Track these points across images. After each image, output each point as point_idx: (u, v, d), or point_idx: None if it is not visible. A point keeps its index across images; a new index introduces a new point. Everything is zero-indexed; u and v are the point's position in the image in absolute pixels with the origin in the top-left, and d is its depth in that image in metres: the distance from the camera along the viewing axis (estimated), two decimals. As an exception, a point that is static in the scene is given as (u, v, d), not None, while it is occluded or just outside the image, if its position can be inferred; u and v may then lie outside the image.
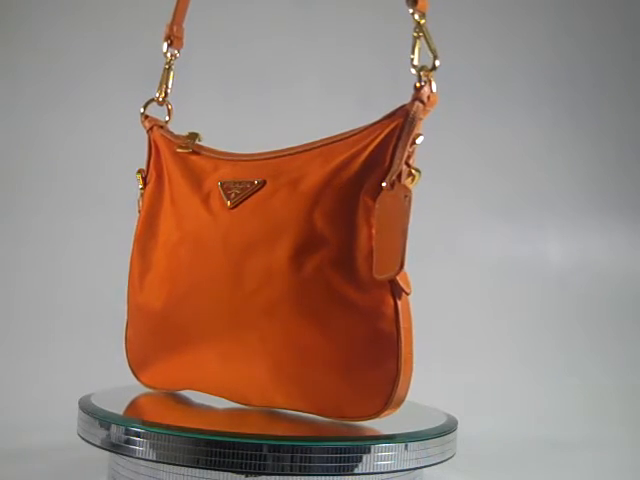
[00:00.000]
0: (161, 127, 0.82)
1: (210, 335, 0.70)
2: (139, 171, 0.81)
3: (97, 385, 0.77)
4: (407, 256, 0.61)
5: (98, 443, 0.64)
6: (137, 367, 0.78)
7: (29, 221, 1.29)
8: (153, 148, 0.81)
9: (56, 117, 1.31)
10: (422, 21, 0.64)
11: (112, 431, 0.62)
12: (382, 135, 0.64)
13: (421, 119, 0.63)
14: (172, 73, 0.84)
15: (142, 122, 0.82)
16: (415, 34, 0.64)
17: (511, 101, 1.48)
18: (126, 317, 0.80)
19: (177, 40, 0.84)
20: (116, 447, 0.62)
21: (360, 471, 0.59)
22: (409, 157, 0.63)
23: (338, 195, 0.64)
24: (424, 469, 0.67)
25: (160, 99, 0.83)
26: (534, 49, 1.50)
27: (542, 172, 1.49)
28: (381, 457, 0.60)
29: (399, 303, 0.62)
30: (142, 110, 0.82)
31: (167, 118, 0.83)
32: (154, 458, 0.60)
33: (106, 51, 1.34)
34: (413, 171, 0.63)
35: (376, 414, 0.63)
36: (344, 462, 0.59)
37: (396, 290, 0.62)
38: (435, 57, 0.63)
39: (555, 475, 0.84)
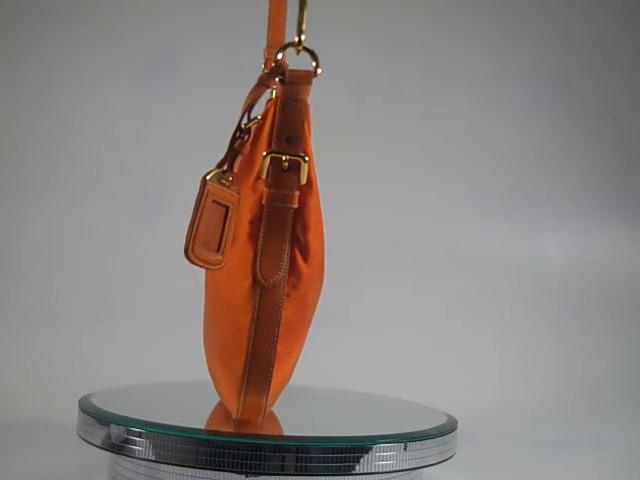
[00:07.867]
0: None
1: None
2: None
3: (97, 385, 0.77)
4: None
5: (98, 443, 0.64)
6: None
7: (28, 213, 1.29)
8: None
9: (56, 115, 1.31)
10: None
11: (112, 431, 0.62)
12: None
13: (299, 100, 0.60)
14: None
15: None
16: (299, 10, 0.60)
17: (510, 101, 1.48)
18: None
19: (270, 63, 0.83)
20: (116, 447, 0.62)
21: (360, 471, 0.59)
22: (240, 144, 0.59)
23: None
24: (424, 469, 0.67)
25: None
26: (533, 48, 1.49)
27: (541, 172, 1.49)
28: (381, 457, 0.60)
29: (261, 298, 0.59)
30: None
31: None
32: (154, 458, 0.60)
33: (106, 49, 1.34)
34: (285, 157, 0.59)
35: (236, 414, 0.61)
36: (344, 462, 0.59)
37: (258, 284, 0.59)
38: (300, 32, 0.60)
39: (555, 475, 0.84)
